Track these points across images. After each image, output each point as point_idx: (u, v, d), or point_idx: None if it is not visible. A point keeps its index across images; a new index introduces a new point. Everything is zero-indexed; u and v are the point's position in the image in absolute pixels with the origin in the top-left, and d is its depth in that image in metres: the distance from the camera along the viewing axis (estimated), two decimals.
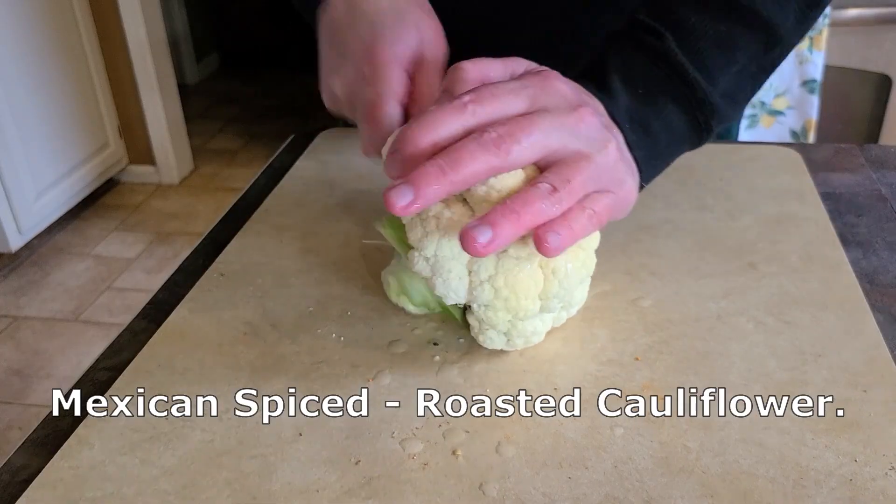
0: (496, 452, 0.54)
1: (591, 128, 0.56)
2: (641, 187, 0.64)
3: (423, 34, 0.67)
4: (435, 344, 0.64)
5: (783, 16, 0.67)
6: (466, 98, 0.54)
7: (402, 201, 0.51)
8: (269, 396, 0.60)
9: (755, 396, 0.58)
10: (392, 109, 0.63)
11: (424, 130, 0.52)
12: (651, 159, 0.64)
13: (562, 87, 0.58)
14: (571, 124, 0.55)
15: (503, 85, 0.55)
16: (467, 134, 0.52)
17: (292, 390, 0.60)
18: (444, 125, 0.53)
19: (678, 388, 0.59)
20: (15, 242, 2.91)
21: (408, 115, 0.65)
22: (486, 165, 0.51)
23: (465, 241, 0.50)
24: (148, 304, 0.72)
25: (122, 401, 0.60)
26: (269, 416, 0.58)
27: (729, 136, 1.12)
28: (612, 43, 0.66)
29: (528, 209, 0.51)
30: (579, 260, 0.59)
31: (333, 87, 0.68)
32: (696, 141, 0.68)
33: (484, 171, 0.52)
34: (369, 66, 0.65)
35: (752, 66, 0.68)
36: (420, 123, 0.53)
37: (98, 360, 0.65)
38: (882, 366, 0.60)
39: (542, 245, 0.51)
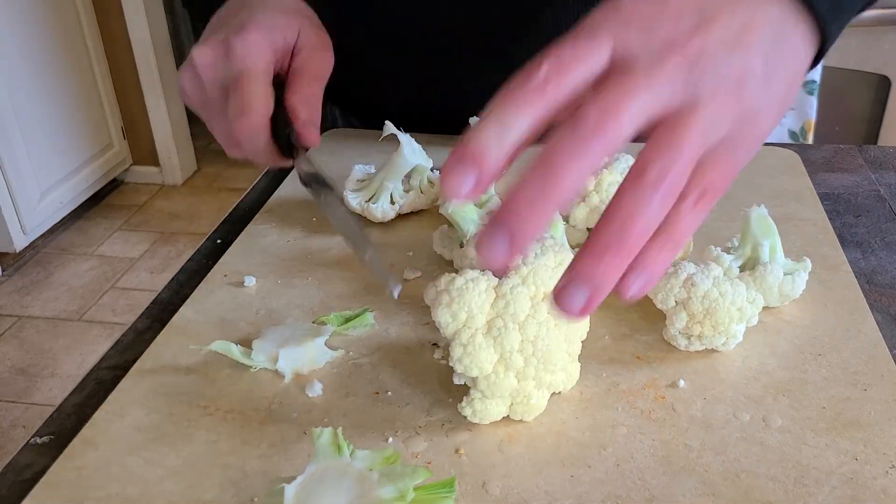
0: (499, 451, 0.55)
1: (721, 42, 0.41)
2: (819, 56, 0.48)
3: (303, 37, 0.66)
4: (434, 345, 0.65)
5: None
6: (543, 69, 0.40)
7: (499, 254, 0.38)
8: (273, 395, 0.60)
9: (756, 395, 0.59)
10: (262, 91, 0.61)
11: (495, 133, 0.38)
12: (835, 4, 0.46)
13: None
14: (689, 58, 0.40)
15: (577, 36, 0.41)
16: (552, 121, 0.40)
17: (295, 389, 0.61)
18: (517, 118, 0.39)
19: (679, 387, 0.59)
20: (19, 242, 2.92)
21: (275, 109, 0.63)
22: (589, 164, 0.38)
23: (562, 308, 0.39)
24: (152, 303, 0.73)
25: (126, 401, 0.60)
26: (273, 415, 0.58)
27: None
28: None
29: (628, 236, 0.38)
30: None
31: (194, 56, 0.63)
32: None
33: (588, 174, 0.39)
34: (238, 41, 0.62)
35: None
36: (489, 123, 0.39)
37: (102, 360, 0.66)
38: (881, 365, 0.61)
39: (626, 293, 0.40)
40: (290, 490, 0.48)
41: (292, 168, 0.93)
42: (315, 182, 0.64)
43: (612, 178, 0.61)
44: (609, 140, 0.38)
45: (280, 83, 0.67)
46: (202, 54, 0.63)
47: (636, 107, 0.38)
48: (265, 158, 0.66)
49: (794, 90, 0.45)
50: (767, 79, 0.42)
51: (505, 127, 0.38)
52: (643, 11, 0.41)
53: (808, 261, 0.68)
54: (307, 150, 0.66)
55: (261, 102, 0.62)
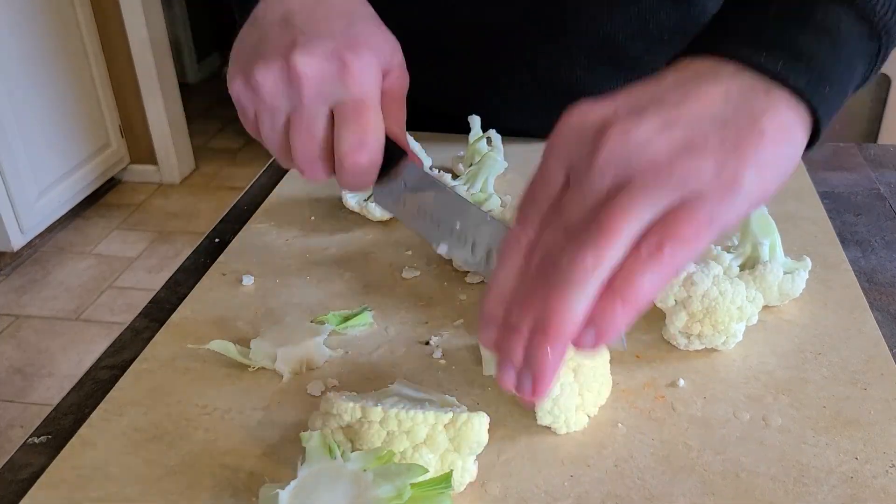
0: (499, 451, 0.54)
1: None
2: (816, 136, 0.49)
3: (395, 59, 0.60)
4: (426, 343, 0.65)
5: None
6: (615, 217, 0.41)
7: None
8: (272, 394, 0.60)
9: (755, 394, 0.58)
10: (380, 120, 0.56)
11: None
12: (819, 83, 0.47)
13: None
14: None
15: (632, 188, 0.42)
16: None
17: (294, 388, 0.61)
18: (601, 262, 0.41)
19: (679, 386, 0.59)
20: (17, 241, 2.91)
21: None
22: (662, 281, 0.41)
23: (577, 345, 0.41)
24: (149, 302, 0.72)
25: (124, 400, 0.60)
26: (271, 415, 0.58)
27: None
28: None
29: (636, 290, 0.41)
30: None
31: (297, 63, 0.55)
32: (875, 63, 0.52)
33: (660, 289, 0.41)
34: (354, 58, 0.55)
35: None
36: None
37: (100, 359, 0.66)
38: (881, 364, 0.61)
39: (577, 345, 0.42)
40: (284, 496, 0.47)
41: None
42: (425, 185, 0.59)
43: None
44: (675, 262, 0.41)
45: None
46: (308, 64, 0.54)
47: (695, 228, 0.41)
48: (361, 187, 0.58)
49: (781, 151, 0.47)
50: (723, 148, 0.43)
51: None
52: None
53: (808, 259, 0.67)
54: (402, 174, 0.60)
55: (379, 137, 0.55)
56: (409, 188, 0.59)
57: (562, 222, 0.43)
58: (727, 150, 0.43)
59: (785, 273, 0.66)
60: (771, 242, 0.67)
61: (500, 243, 0.47)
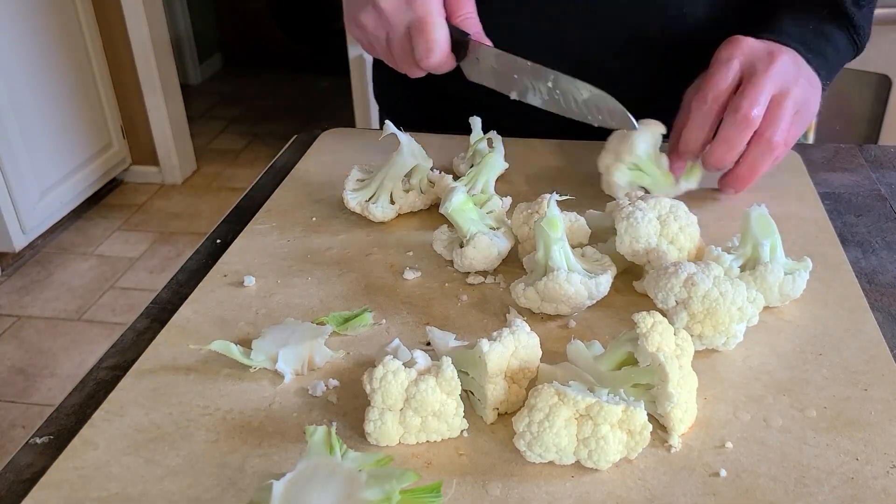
0: (499, 451, 0.55)
1: (786, 67, 0.79)
2: (825, 88, 0.85)
3: None
4: (427, 344, 0.65)
5: None
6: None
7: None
8: (273, 395, 0.60)
9: (756, 395, 0.59)
10: (441, 25, 0.78)
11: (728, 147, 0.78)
12: (827, 71, 0.85)
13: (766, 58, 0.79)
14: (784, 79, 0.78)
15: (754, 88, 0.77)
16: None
17: (295, 389, 0.61)
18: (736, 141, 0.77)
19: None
20: (18, 242, 2.92)
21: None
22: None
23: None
24: (151, 303, 0.72)
25: (126, 401, 0.60)
26: (272, 415, 0.58)
27: None
28: (777, 9, 0.89)
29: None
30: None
31: (381, 3, 0.79)
32: (854, 53, 0.92)
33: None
34: None
35: None
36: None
37: (102, 360, 0.66)
38: (882, 364, 0.61)
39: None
40: (277, 486, 0.48)
41: (291, 167, 0.93)
42: (499, 58, 0.82)
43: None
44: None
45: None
46: (385, 1, 0.79)
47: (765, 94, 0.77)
48: (444, 69, 0.82)
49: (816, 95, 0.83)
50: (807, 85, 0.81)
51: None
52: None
53: (809, 260, 0.68)
54: (475, 55, 0.83)
55: (443, 42, 0.79)
56: (481, 61, 0.82)
57: (749, 101, 0.76)
58: (800, 84, 0.79)
59: (785, 274, 0.66)
60: (771, 243, 0.67)
61: (562, 86, 0.79)
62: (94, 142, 3.29)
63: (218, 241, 0.82)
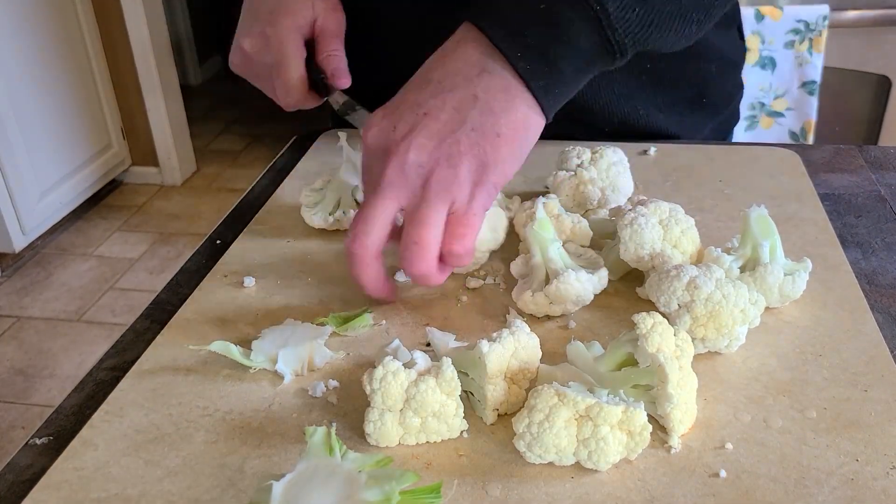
0: (499, 452, 0.55)
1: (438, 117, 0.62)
2: (548, 109, 0.64)
3: (317, 9, 0.82)
4: (427, 345, 0.65)
5: None
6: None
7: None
8: (273, 396, 0.60)
9: (756, 396, 0.59)
10: (296, 68, 0.79)
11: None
12: (552, 87, 0.63)
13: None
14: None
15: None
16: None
17: (295, 390, 0.61)
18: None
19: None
20: (18, 243, 2.92)
21: (310, 75, 0.81)
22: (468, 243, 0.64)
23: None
24: (151, 304, 0.72)
25: (125, 401, 0.60)
26: (272, 416, 0.58)
27: (728, 137, 1.12)
28: None
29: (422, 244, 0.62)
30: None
31: (244, 45, 0.81)
32: (610, 61, 0.65)
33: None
34: (272, 31, 0.79)
35: None
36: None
37: (101, 360, 0.66)
38: (882, 365, 0.61)
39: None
40: (277, 487, 0.48)
41: (291, 168, 0.93)
42: (350, 108, 0.84)
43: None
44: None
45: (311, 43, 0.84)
46: (248, 44, 0.81)
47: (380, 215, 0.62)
48: (308, 106, 0.84)
49: (516, 144, 0.63)
50: (485, 135, 0.61)
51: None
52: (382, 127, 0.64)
53: (809, 261, 0.68)
54: (338, 90, 0.84)
55: (299, 81, 0.80)
56: (341, 105, 0.84)
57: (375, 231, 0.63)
58: (476, 157, 0.61)
59: (785, 274, 0.66)
60: (771, 244, 0.67)
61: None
62: (93, 142, 3.29)
63: (218, 241, 0.82)
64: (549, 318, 0.68)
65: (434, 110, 0.61)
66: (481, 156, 0.61)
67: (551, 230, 0.68)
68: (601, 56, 0.64)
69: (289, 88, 0.80)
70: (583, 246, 0.72)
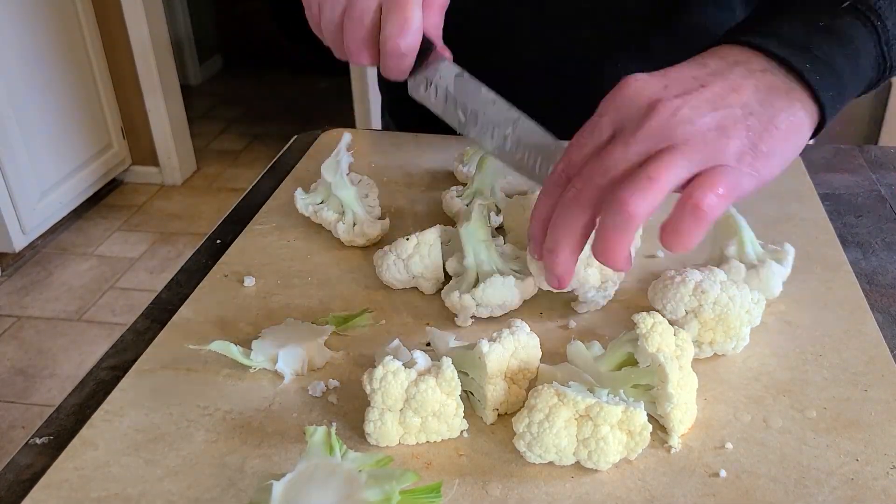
0: (499, 452, 0.55)
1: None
2: (820, 127, 0.59)
3: None
4: (427, 345, 0.65)
5: None
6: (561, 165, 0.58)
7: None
8: (273, 395, 0.60)
9: (756, 396, 0.59)
10: (417, 11, 0.64)
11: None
12: (838, 100, 0.59)
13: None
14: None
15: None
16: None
17: (295, 389, 0.61)
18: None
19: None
20: (18, 242, 2.92)
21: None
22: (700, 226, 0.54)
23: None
24: (151, 303, 0.72)
25: (126, 401, 0.60)
26: (272, 416, 0.58)
27: None
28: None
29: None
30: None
31: None
32: (880, 72, 0.63)
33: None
34: None
35: None
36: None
37: (102, 360, 0.66)
38: (882, 365, 0.61)
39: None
40: (277, 487, 0.48)
41: (291, 167, 0.93)
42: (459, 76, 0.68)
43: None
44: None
45: None
46: None
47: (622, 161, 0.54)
48: (404, 63, 0.67)
49: (789, 144, 0.57)
50: (755, 128, 0.55)
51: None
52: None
53: (788, 245, 0.68)
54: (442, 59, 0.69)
55: (418, 27, 0.65)
56: (439, 79, 0.68)
57: (603, 168, 0.54)
58: (749, 138, 0.54)
59: (771, 261, 0.66)
60: (738, 240, 0.68)
61: (523, 136, 0.64)
62: (94, 142, 3.29)
63: (218, 241, 0.82)
64: (549, 318, 0.68)
65: (712, 85, 0.56)
66: (755, 139, 0.55)
67: (485, 232, 0.69)
68: (874, 72, 0.62)
69: (408, 26, 0.64)
70: None
